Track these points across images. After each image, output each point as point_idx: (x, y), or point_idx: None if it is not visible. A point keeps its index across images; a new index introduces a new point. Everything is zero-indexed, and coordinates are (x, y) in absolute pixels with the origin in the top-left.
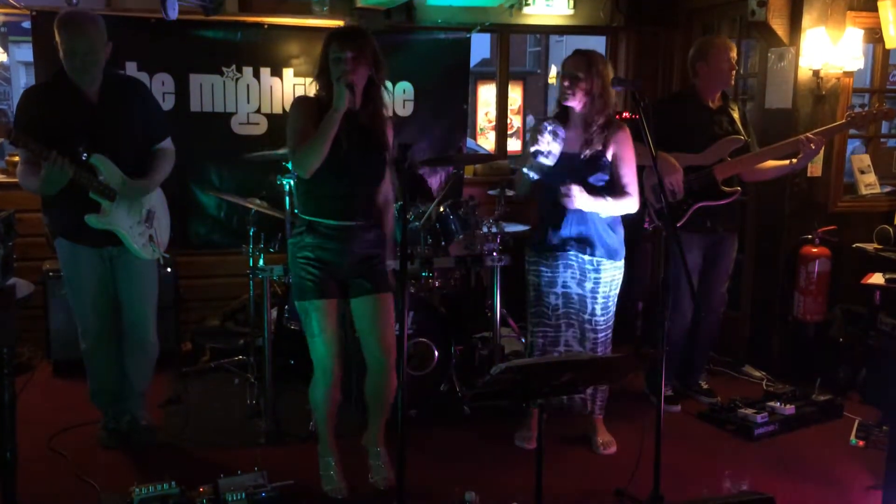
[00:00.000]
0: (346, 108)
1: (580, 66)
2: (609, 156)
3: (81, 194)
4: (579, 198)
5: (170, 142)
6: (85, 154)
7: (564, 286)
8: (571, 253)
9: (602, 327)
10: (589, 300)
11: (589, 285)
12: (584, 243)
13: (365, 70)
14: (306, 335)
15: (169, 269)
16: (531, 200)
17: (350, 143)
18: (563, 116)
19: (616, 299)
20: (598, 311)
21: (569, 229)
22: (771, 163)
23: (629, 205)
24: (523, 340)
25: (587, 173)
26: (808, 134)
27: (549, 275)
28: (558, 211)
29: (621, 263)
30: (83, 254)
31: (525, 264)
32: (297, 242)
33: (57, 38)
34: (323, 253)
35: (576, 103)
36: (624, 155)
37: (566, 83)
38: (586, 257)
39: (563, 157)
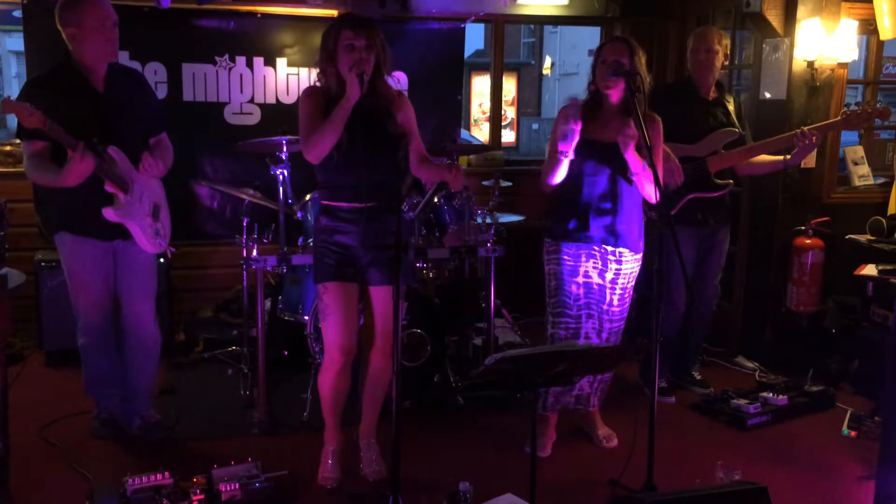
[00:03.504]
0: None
1: (624, 53)
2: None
3: (93, 187)
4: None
5: (166, 135)
6: (100, 145)
7: (586, 276)
8: (595, 243)
9: (618, 318)
10: (608, 290)
11: (609, 276)
12: (610, 233)
13: (374, 58)
14: (319, 318)
15: (162, 260)
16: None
17: (353, 133)
18: (593, 104)
19: (632, 292)
20: (616, 302)
21: (595, 220)
22: (764, 157)
23: (654, 191)
24: (518, 331)
25: (623, 163)
26: (805, 129)
27: (572, 263)
28: (585, 201)
29: (640, 256)
30: (89, 247)
31: (544, 254)
32: (317, 226)
33: (71, 21)
34: (341, 237)
35: (616, 90)
36: (655, 144)
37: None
38: (609, 248)
39: (600, 146)
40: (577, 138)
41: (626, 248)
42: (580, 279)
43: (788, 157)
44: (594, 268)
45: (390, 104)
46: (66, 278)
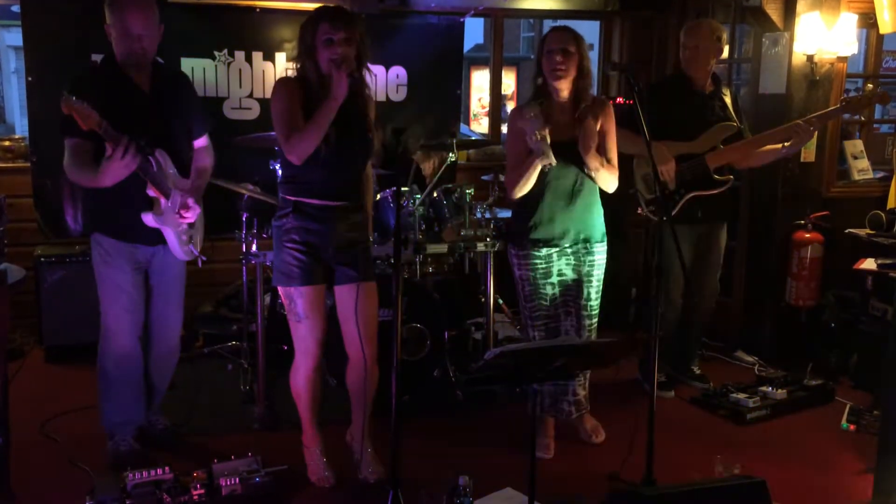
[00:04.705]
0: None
1: (570, 41)
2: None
3: (134, 190)
4: (595, 155)
5: (208, 138)
6: (147, 148)
7: (560, 274)
8: (564, 243)
9: (595, 312)
10: (585, 285)
11: (584, 269)
12: (576, 231)
13: (354, 51)
14: (289, 319)
15: None
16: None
17: (335, 129)
18: (542, 100)
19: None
20: (594, 296)
21: (561, 220)
22: (767, 147)
23: (615, 178)
24: (517, 326)
25: (582, 159)
26: (801, 121)
27: (544, 266)
28: (549, 201)
29: (605, 244)
30: (126, 252)
31: (511, 258)
32: (282, 226)
33: (108, 18)
34: (308, 236)
35: (566, 82)
36: (610, 128)
37: (559, 59)
38: (579, 242)
39: (553, 144)
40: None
41: (595, 239)
42: (555, 279)
43: (787, 144)
44: (567, 264)
45: (367, 102)
46: (98, 284)
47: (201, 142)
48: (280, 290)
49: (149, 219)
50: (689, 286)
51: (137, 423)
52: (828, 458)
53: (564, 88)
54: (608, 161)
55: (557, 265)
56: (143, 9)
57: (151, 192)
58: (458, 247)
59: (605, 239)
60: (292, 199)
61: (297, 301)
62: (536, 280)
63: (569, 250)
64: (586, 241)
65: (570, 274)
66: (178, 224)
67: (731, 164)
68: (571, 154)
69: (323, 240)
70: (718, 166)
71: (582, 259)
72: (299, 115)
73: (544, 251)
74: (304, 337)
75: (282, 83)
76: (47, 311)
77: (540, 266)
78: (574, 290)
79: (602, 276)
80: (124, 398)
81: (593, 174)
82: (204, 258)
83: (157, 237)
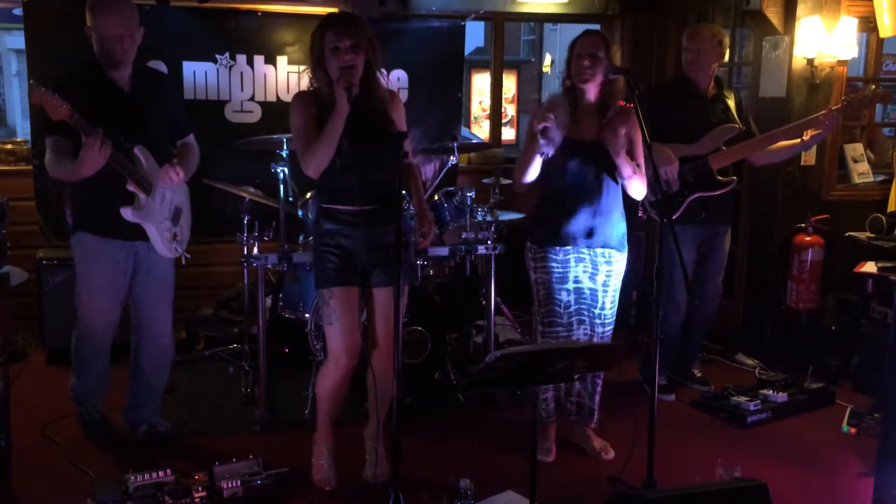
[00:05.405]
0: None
1: (600, 46)
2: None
3: (114, 186)
4: (627, 163)
5: (193, 137)
6: (126, 144)
7: (576, 281)
8: (582, 246)
9: (609, 321)
10: (601, 294)
11: (601, 278)
12: (596, 234)
13: (363, 57)
14: (323, 323)
15: None
16: (531, 190)
17: (352, 136)
18: (569, 101)
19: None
20: (608, 305)
21: (581, 221)
22: (781, 143)
23: (644, 184)
24: (518, 329)
25: (606, 161)
26: (832, 108)
27: (561, 270)
28: (570, 202)
29: (626, 253)
30: (109, 249)
31: (528, 261)
32: (318, 229)
33: (89, 20)
34: (343, 240)
35: (594, 85)
36: (637, 138)
37: (586, 63)
38: (598, 249)
39: (578, 145)
40: (559, 136)
41: (615, 248)
42: (570, 285)
43: (806, 137)
44: (584, 272)
45: (385, 104)
46: (78, 282)
47: (184, 141)
48: (317, 292)
49: (127, 213)
50: (691, 288)
51: (104, 392)
52: (828, 462)
53: (591, 91)
54: (638, 167)
55: (574, 271)
56: (123, 12)
57: (131, 188)
58: (460, 250)
59: (626, 248)
60: (325, 205)
61: (330, 302)
62: (552, 284)
63: (586, 256)
64: (604, 246)
65: (586, 282)
66: (160, 220)
67: (749, 161)
68: (594, 155)
69: (356, 244)
70: (721, 168)
71: (599, 268)
72: (314, 130)
73: (561, 254)
74: (335, 338)
75: (297, 98)
76: (49, 314)
77: (556, 269)
78: (589, 298)
79: (619, 287)
80: (94, 374)
81: (626, 182)
82: (188, 255)
83: (138, 233)
